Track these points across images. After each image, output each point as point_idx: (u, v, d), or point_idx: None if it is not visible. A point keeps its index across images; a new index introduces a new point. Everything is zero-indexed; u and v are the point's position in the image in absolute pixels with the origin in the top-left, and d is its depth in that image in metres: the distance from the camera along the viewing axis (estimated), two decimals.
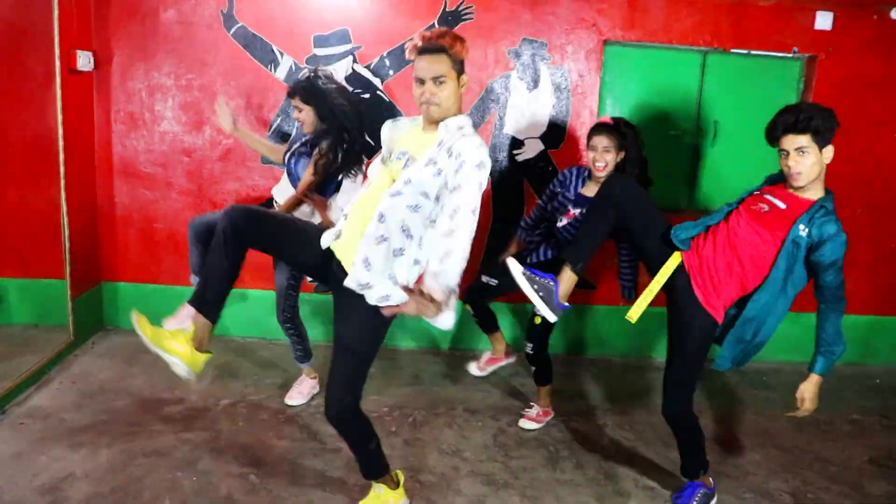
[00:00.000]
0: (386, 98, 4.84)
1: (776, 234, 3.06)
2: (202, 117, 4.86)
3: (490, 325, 4.35)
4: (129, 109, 4.88)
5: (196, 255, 4.07)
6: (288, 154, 4.03)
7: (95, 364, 4.62)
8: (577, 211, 3.90)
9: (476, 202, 2.55)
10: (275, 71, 4.82)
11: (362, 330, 2.84)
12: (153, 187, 4.96)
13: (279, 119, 4.87)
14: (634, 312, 3.24)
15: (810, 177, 3.07)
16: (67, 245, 4.59)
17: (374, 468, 3.16)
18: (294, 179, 3.97)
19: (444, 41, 2.66)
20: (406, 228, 2.69)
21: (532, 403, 4.29)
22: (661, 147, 5.00)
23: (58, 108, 4.43)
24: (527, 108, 4.90)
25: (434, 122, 2.73)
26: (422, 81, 2.66)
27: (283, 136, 4.84)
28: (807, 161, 3.05)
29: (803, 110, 3.04)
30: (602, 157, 3.79)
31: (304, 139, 3.99)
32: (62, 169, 4.50)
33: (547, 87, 4.88)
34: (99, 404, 4.09)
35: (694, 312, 3.19)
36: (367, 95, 4.82)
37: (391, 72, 4.81)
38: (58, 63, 4.39)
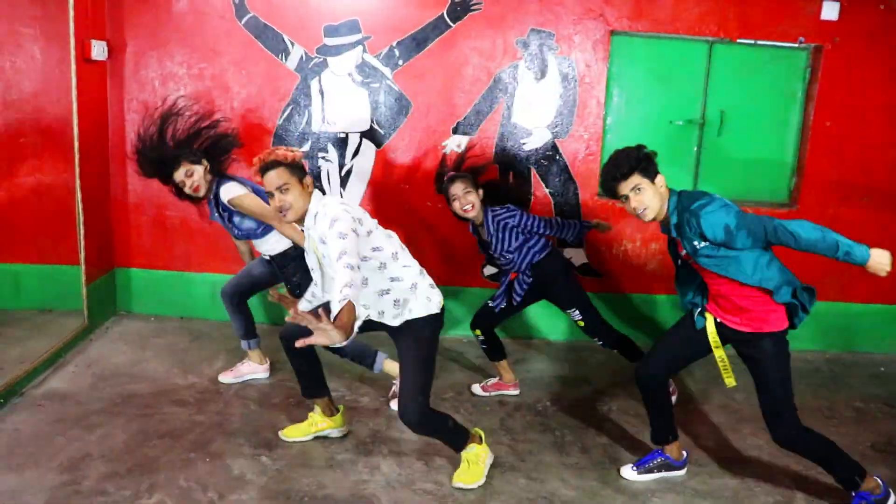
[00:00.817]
0: (396, 87, 4.89)
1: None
2: (214, 106, 4.89)
3: (498, 354, 4.38)
4: (143, 98, 4.95)
5: (238, 321, 4.37)
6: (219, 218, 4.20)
7: (110, 348, 4.71)
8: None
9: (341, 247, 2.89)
10: (286, 60, 4.87)
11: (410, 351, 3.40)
12: None
13: (290, 108, 4.93)
14: (729, 379, 3.51)
15: (655, 208, 3.17)
16: (82, 231, 4.67)
17: (461, 439, 3.47)
18: (244, 233, 4.17)
19: (276, 157, 3.10)
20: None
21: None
22: (667, 136, 5.07)
23: (73, 97, 4.50)
24: (534, 97, 4.94)
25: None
26: (271, 194, 3.10)
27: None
28: (645, 196, 3.15)
29: (618, 159, 3.21)
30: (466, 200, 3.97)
31: (213, 204, 4.13)
32: (77, 157, 4.57)
33: (554, 77, 4.91)
34: (114, 387, 4.17)
35: (760, 344, 3.30)
36: (376, 85, 4.87)
37: (401, 61, 4.85)
38: (73, 52, 4.46)
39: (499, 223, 4.02)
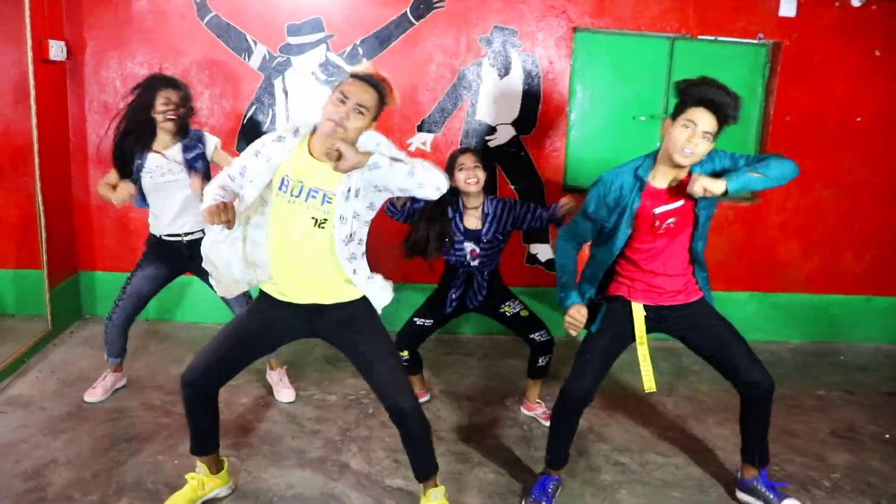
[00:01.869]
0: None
1: (687, 222, 3.10)
2: None
3: (416, 369, 4.17)
4: (104, 99, 4.91)
5: (118, 343, 4.12)
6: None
7: (75, 353, 4.66)
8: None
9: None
10: (249, 60, 4.85)
11: (381, 329, 3.03)
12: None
13: (254, 107, 4.92)
14: (649, 383, 3.28)
15: (698, 158, 2.94)
16: (44, 235, 4.62)
17: (433, 461, 3.16)
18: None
19: (385, 84, 2.81)
20: (360, 240, 2.93)
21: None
22: (630, 132, 5.13)
23: (31, 99, 4.44)
24: (498, 94, 4.98)
25: (328, 145, 2.69)
26: (344, 101, 2.67)
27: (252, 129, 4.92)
28: (704, 146, 2.91)
29: (729, 100, 2.87)
30: (474, 174, 3.78)
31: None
32: (36, 159, 4.51)
33: (518, 73, 4.95)
34: (79, 392, 4.12)
35: (699, 309, 3.29)
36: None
37: (364, 60, 4.81)
38: (30, 53, 4.40)
39: (500, 203, 3.89)
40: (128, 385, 4.27)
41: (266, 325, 3.00)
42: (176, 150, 3.80)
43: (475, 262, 3.90)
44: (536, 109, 5.01)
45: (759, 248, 5.32)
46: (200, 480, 3.18)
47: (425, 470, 3.12)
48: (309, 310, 2.92)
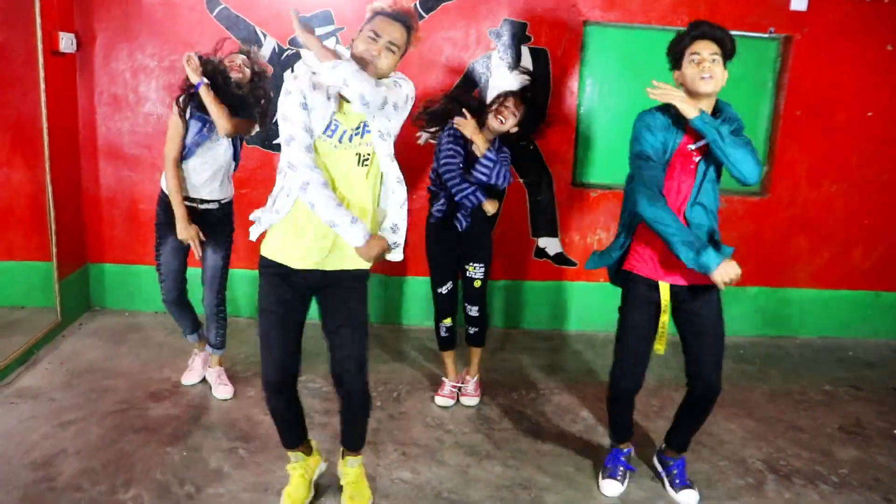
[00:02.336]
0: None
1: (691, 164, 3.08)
2: None
3: (452, 343, 4.28)
4: (113, 91, 4.92)
5: (185, 320, 4.20)
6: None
7: (83, 344, 4.68)
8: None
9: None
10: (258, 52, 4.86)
11: (363, 303, 3.01)
12: (138, 169, 5.01)
13: (262, 101, 4.90)
14: (660, 347, 3.31)
15: (717, 85, 3.02)
16: (53, 227, 4.64)
17: (363, 438, 3.26)
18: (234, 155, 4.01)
19: (414, 23, 2.83)
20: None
21: (465, 378, 4.33)
22: None
23: (41, 90, 4.45)
24: (508, 87, 4.93)
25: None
26: (376, 39, 2.69)
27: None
28: (717, 69, 3.00)
29: (718, 26, 3.02)
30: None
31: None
32: (46, 151, 4.52)
33: (528, 67, 4.94)
34: (88, 383, 4.15)
35: (711, 293, 3.23)
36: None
37: None
38: (40, 45, 4.41)
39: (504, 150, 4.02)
40: (136, 377, 4.29)
41: (284, 303, 2.94)
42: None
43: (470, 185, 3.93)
44: (546, 103, 5.00)
45: (768, 242, 5.31)
46: (304, 466, 3.23)
47: (353, 443, 3.23)
48: (307, 275, 2.89)
